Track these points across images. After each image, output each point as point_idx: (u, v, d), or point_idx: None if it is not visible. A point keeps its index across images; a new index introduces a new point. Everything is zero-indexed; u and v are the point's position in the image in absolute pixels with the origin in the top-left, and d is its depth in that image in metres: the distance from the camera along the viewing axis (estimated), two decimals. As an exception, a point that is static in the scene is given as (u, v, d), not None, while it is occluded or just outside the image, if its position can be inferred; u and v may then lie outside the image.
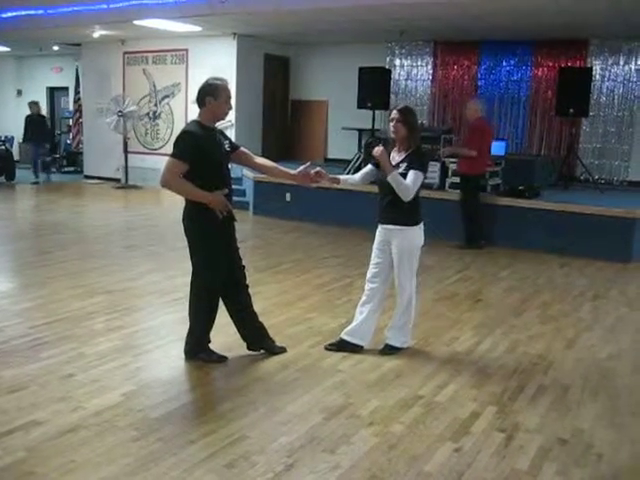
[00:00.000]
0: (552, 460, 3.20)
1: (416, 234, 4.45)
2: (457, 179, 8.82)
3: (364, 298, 4.63)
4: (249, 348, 4.47)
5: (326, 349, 4.60)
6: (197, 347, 4.32)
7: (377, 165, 4.44)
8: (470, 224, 8.52)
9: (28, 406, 3.59)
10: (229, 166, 4.27)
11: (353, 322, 4.63)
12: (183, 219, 4.22)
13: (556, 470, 3.11)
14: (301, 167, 4.50)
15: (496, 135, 11.51)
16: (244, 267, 4.39)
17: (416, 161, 4.33)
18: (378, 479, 2.99)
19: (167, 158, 4.00)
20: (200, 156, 3.95)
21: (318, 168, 4.54)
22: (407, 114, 4.38)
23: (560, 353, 4.77)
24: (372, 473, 3.03)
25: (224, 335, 4.52)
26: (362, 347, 4.59)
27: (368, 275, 4.63)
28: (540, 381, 4.21)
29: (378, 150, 4.33)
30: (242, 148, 4.42)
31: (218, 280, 4.20)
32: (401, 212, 4.36)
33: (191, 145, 3.95)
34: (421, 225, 4.47)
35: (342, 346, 4.59)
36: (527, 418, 3.66)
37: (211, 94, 4.02)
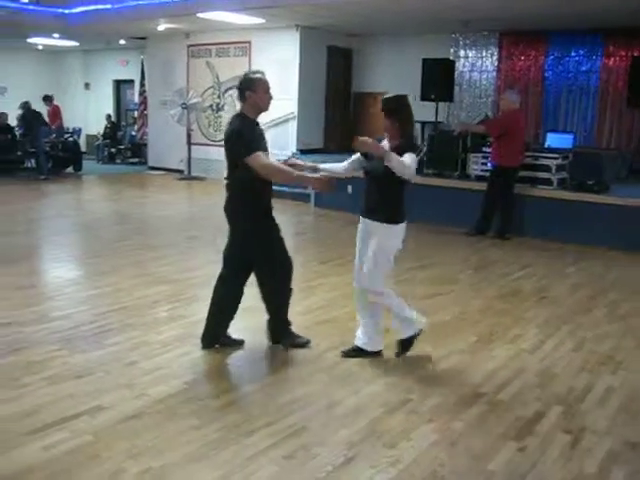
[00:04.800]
0: (622, 464, 3.08)
1: (393, 233, 4.14)
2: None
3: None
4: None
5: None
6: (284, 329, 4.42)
7: (365, 155, 4.21)
8: (504, 215, 8.53)
9: (94, 391, 3.67)
10: None
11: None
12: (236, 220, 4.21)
13: (625, 474, 3.00)
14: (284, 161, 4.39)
15: (563, 127, 11.29)
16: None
17: (407, 147, 4.06)
18: (439, 475, 2.94)
19: (247, 160, 3.95)
20: None
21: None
22: (390, 104, 4.17)
23: (630, 353, 4.60)
24: (433, 469, 2.98)
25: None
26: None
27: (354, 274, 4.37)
28: (608, 382, 4.07)
29: (365, 139, 3.98)
30: None
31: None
32: (383, 208, 4.12)
33: (248, 138, 3.97)
34: (402, 225, 4.15)
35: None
36: (595, 420, 3.54)
37: (249, 88, 4.06)
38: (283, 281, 4.31)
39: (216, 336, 4.38)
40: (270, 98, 4.14)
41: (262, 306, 4.41)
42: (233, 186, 4.18)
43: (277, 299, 4.37)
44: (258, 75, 4.13)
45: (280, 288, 4.33)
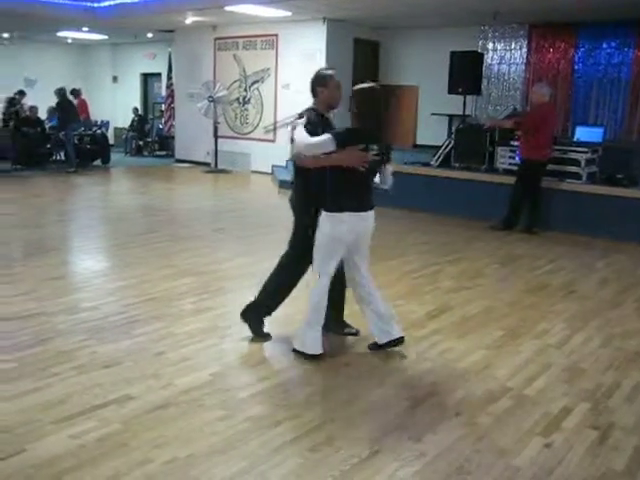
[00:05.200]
0: (650, 461, 3.05)
1: (330, 222, 3.98)
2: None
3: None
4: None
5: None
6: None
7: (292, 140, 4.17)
8: (532, 209, 8.48)
9: (121, 381, 3.71)
10: None
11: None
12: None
13: (654, 472, 2.96)
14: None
15: (593, 121, 11.12)
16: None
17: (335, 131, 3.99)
18: (465, 470, 2.93)
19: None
20: None
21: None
22: (354, 92, 4.07)
23: (659, 350, 4.54)
24: (459, 464, 2.97)
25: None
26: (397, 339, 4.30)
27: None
28: (637, 378, 4.01)
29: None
30: None
31: None
32: (325, 194, 4.04)
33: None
34: (343, 215, 3.96)
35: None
36: (623, 416, 3.50)
37: (321, 84, 4.18)
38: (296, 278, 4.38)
39: (258, 316, 4.42)
40: (340, 95, 4.22)
41: (290, 299, 4.44)
42: (296, 178, 4.29)
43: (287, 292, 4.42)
44: (330, 72, 4.25)
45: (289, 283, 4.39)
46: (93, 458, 2.91)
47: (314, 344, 4.10)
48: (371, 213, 4.12)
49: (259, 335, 4.42)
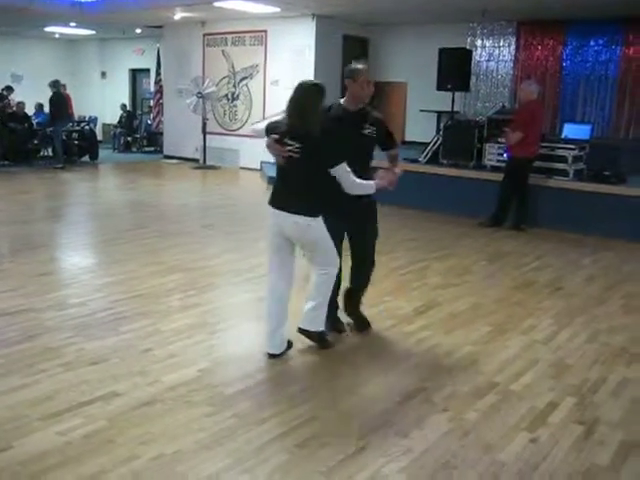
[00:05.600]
0: (635, 457, 3.06)
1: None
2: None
3: None
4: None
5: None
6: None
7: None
8: (519, 206, 8.49)
9: (108, 378, 3.70)
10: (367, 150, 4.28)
11: None
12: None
13: (638, 466, 2.98)
14: None
15: (580, 118, 11.18)
16: None
17: None
18: (451, 465, 2.94)
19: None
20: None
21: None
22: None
23: (645, 345, 4.58)
24: (445, 459, 2.98)
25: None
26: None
27: None
28: (623, 374, 4.04)
29: None
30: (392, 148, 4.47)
31: None
32: None
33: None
34: (269, 208, 3.98)
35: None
36: (608, 412, 3.52)
37: (349, 77, 4.14)
38: None
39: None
40: (371, 91, 4.18)
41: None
42: None
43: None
44: (360, 66, 4.18)
45: None
46: (79, 455, 2.90)
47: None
48: (292, 217, 3.87)
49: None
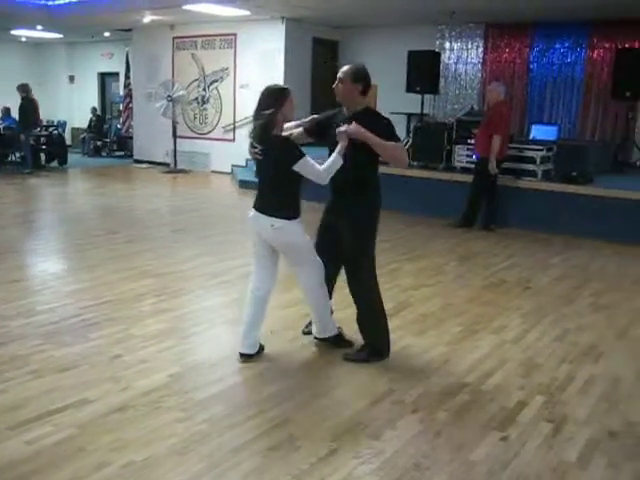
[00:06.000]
0: (602, 453, 3.12)
1: None
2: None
3: None
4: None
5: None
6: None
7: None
8: (489, 206, 8.58)
9: (79, 385, 3.67)
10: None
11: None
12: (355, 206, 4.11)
13: (606, 463, 3.04)
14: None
15: (548, 119, 11.33)
16: None
17: None
18: (422, 466, 2.97)
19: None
20: None
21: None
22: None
23: (611, 343, 4.65)
24: (416, 460, 3.01)
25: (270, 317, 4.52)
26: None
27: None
28: (590, 371, 4.11)
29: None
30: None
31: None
32: None
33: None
34: (252, 213, 4.01)
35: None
36: (576, 409, 3.58)
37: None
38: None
39: None
40: (339, 94, 4.10)
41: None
42: None
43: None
44: (345, 68, 4.10)
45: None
46: (49, 463, 2.87)
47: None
48: (266, 219, 3.90)
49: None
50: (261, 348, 4.18)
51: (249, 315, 4.11)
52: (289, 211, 3.93)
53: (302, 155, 3.80)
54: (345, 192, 4.11)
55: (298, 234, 3.97)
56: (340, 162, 3.88)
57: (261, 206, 3.96)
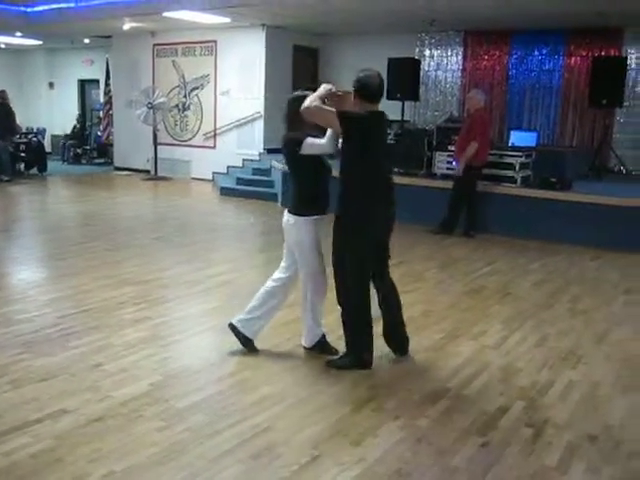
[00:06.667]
0: (581, 456, 3.15)
1: None
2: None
3: None
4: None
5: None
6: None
7: None
8: (469, 213, 8.66)
9: (58, 394, 3.63)
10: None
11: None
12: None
13: (586, 467, 3.06)
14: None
15: (527, 126, 11.43)
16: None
17: None
18: (403, 473, 2.97)
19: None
20: None
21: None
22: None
23: (590, 348, 4.69)
24: (397, 467, 3.01)
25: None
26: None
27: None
28: (569, 376, 4.14)
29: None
30: None
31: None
32: None
33: None
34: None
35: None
36: (556, 413, 3.61)
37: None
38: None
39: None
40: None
41: (231, 306, 4.43)
42: None
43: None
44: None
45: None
46: (27, 475, 2.84)
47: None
48: (285, 214, 4.17)
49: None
50: (251, 343, 4.31)
51: (256, 298, 4.25)
52: (300, 207, 4.09)
53: (302, 140, 3.98)
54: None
55: (304, 233, 4.06)
56: (334, 134, 4.05)
57: (287, 203, 4.28)
